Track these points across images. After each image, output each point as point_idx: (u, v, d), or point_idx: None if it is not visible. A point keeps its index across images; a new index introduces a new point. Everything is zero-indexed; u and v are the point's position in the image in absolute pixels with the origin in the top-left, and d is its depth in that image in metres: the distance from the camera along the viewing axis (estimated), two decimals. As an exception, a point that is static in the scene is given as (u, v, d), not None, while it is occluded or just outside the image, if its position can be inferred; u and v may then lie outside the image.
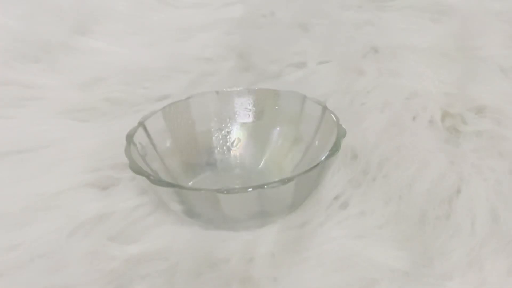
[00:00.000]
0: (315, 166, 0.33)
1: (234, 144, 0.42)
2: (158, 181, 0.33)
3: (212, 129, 0.42)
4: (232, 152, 0.42)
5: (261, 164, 0.41)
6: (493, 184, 0.40)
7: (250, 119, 0.43)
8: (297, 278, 0.33)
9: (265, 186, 0.32)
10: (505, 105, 0.49)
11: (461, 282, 0.32)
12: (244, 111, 0.43)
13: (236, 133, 0.43)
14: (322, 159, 0.34)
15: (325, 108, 0.39)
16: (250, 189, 0.32)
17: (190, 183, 0.40)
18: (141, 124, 0.39)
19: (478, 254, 0.34)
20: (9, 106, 0.49)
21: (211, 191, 0.32)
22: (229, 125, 0.43)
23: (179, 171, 0.39)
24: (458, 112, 0.48)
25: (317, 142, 0.39)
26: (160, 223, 0.37)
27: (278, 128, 0.42)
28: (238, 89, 0.43)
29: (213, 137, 0.42)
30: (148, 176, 0.33)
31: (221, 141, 0.42)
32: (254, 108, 0.43)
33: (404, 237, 0.35)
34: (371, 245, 0.35)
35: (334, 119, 0.38)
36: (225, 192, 0.32)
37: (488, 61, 0.56)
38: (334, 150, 0.35)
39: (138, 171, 0.34)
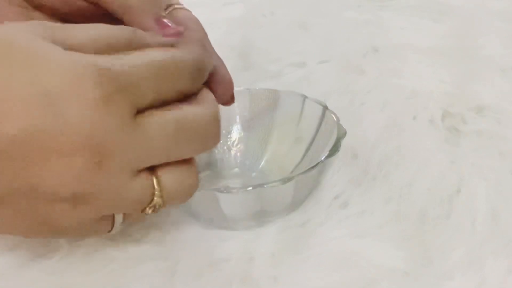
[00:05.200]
0: (315, 166, 0.33)
1: (234, 144, 0.42)
2: None
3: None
4: (232, 152, 0.42)
5: (262, 164, 0.41)
6: (493, 184, 0.40)
7: (250, 119, 0.42)
8: (297, 278, 0.33)
9: (265, 186, 0.32)
10: (505, 105, 0.48)
11: (461, 282, 0.32)
12: (244, 111, 0.43)
13: (236, 133, 0.42)
14: (322, 159, 0.34)
15: (325, 108, 0.39)
16: (250, 189, 0.32)
17: (190, 183, 0.40)
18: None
19: (478, 254, 0.34)
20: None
21: (210, 191, 0.32)
22: (229, 125, 0.42)
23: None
24: (458, 112, 0.48)
25: (317, 142, 0.39)
26: (160, 223, 0.37)
27: (278, 128, 0.42)
28: (238, 89, 0.43)
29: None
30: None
31: (221, 141, 0.42)
32: (254, 108, 0.42)
33: (404, 237, 0.35)
34: (371, 245, 0.35)
35: (335, 119, 0.38)
36: (224, 191, 0.32)
37: (488, 61, 0.56)
38: (334, 150, 0.35)
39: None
